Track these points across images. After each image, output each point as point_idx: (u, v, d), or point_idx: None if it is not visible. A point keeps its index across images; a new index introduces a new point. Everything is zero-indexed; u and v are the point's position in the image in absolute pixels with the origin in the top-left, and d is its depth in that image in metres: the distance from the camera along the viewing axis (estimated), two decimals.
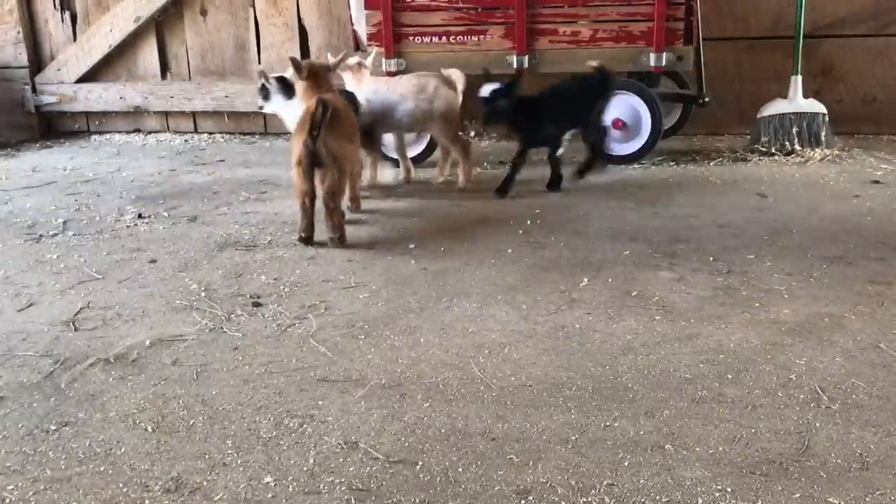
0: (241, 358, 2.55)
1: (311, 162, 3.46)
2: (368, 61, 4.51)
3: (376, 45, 4.92)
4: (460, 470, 1.92)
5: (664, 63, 4.72)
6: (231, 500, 1.83)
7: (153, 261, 3.47)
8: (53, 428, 2.16)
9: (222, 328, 2.76)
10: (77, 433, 2.13)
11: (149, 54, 6.12)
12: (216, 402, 2.27)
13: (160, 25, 6.04)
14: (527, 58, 4.83)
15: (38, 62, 6.25)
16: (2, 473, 1.96)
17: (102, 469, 1.97)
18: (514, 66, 4.86)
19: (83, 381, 2.42)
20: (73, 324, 2.85)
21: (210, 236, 3.79)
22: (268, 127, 6.13)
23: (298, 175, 3.50)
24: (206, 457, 2.01)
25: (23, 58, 6.18)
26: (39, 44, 6.24)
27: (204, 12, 5.97)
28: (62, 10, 6.13)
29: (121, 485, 1.90)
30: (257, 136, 6.23)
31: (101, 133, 6.37)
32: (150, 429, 2.15)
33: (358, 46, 5.25)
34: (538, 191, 4.43)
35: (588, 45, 4.81)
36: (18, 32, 6.09)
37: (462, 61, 4.79)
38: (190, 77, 6.14)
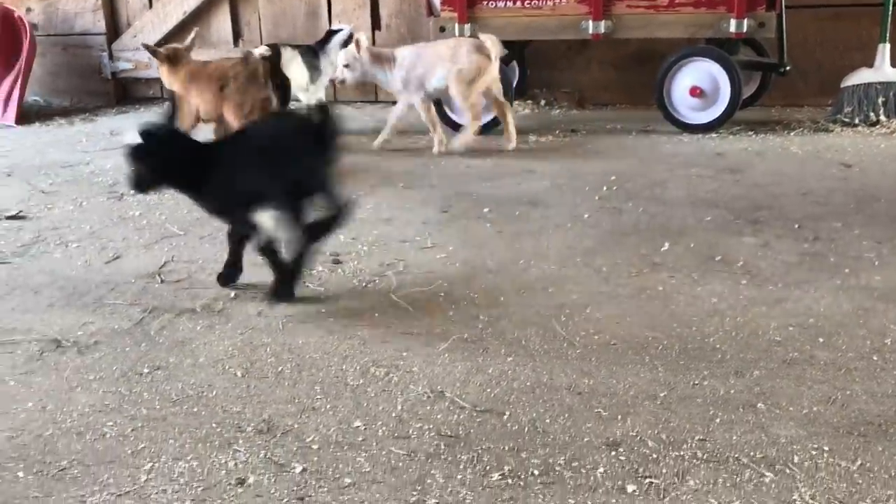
0: (324, 310, 2.58)
1: None
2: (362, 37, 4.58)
3: (449, 10, 4.90)
4: (548, 421, 1.92)
5: (745, 29, 4.59)
6: (322, 441, 1.86)
7: None
8: (147, 371, 2.22)
9: (305, 283, 2.79)
10: (169, 376, 2.19)
11: (222, 21, 6.20)
12: (303, 351, 2.31)
13: None
14: (603, 23, 4.74)
15: (114, 29, 6.38)
16: (101, 411, 2.02)
17: (196, 410, 2.02)
18: (590, 31, 4.77)
19: (172, 329, 2.48)
20: (159, 276, 2.92)
21: None
22: (337, 95, 6.16)
23: None
24: (296, 401, 2.04)
25: (100, 25, 6.31)
26: (117, 11, 6.37)
27: None
28: None
29: (214, 425, 1.95)
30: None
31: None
32: (239, 374, 2.19)
33: (431, 12, 5.23)
34: (611, 157, 4.37)
35: (667, 10, 4.70)
36: (97, 0, 6.22)
37: (537, 26, 4.74)
38: (262, 44, 6.18)
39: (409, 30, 5.97)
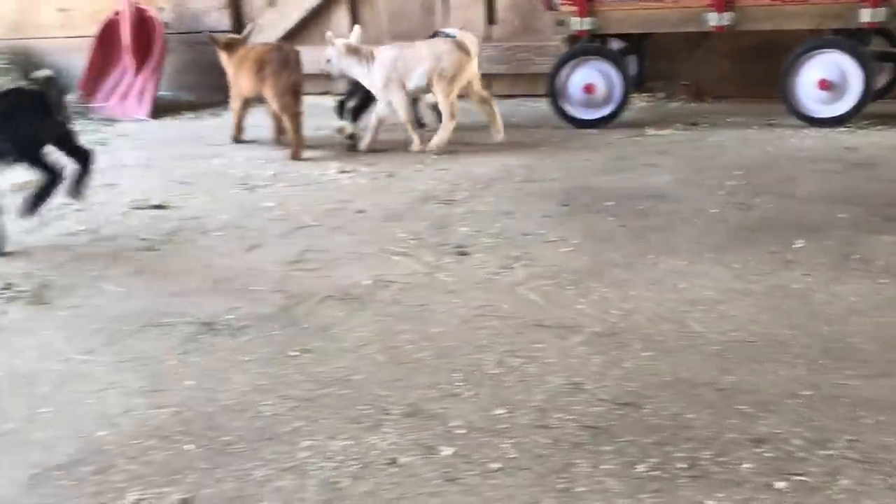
0: (456, 301, 2.65)
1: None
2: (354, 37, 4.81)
3: (569, 4, 4.89)
4: (690, 416, 1.93)
5: (879, 19, 4.42)
6: (467, 427, 1.93)
7: (361, 211, 3.65)
8: (295, 354, 2.34)
9: (434, 273, 2.87)
10: (317, 360, 2.30)
11: (342, 18, 6.37)
12: (439, 339, 2.38)
13: None
14: (727, 15, 4.65)
15: (238, 26, 6.63)
16: (256, 391, 2.15)
17: (344, 392, 2.12)
18: (713, 24, 4.69)
19: (315, 315, 2.60)
20: (297, 264, 3.05)
21: (410, 191, 3.94)
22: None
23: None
24: (438, 387, 2.12)
25: (225, 22, 6.58)
26: (241, 9, 6.63)
27: None
28: None
29: (363, 407, 2.04)
30: None
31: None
32: (382, 359, 2.29)
33: (550, 6, 5.24)
34: (735, 151, 4.29)
35: (794, 1, 4.56)
36: None
37: (657, 19, 4.69)
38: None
39: (523, 24, 6.00)
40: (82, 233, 3.54)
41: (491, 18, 6.09)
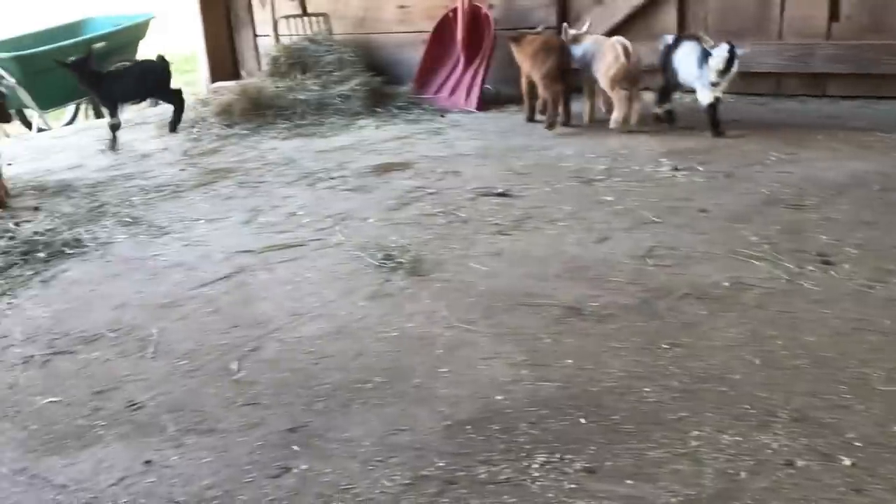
0: (826, 311, 2.59)
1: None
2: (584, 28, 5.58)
3: None
4: None
5: None
6: (864, 440, 1.90)
7: (703, 210, 3.64)
8: (666, 346, 2.43)
9: (797, 281, 2.81)
10: (688, 354, 2.37)
11: (668, 14, 6.32)
12: (815, 349, 2.35)
13: None
14: None
15: (564, 22, 6.84)
16: (633, 377, 2.27)
17: (722, 389, 2.17)
18: None
19: (677, 311, 2.67)
20: (648, 259, 3.14)
21: (752, 192, 3.85)
22: (781, 85, 5.97)
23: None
24: (822, 396, 2.10)
25: (552, 18, 6.80)
26: (568, 5, 6.81)
27: None
28: None
29: (745, 406, 2.08)
30: (768, 98, 6.11)
31: None
32: (757, 362, 2.30)
33: None
34: None
35: None
36: None
37: None
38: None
39: (872, 21, 5.58)
40: (440, 214, 3.88)
41: (834, 15, 5.73)
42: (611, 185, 4.16)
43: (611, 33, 6.51)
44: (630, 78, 5.05)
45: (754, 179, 4.06)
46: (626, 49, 5.00)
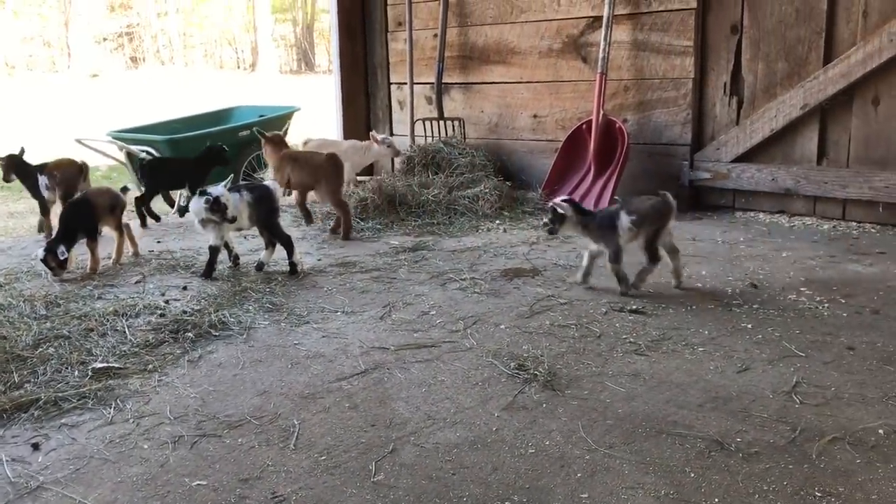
0: None
1: None
2: None
3: None
4: None
5: None
6: None
7: (850, 348, 3.51)
8: (818, 495, 2.32)
9: None
10: None
11: (808, 140, 6.26)
12: None
13: (825, 113, 6.14)
14: None
15: (699, 141, 6.86)
16: None
17: None
18: None
19: (829, 456, 2.55)
20: (795, 395, 3.03)
21: None
22: None
23: None
24: None
25: (687, 137, 6.83)
26: (703, 125, 6.85)
27: (876, 101, 5.90)
28: (730, 95, 6.63)
29: None
30: None
31: (744, 210, 6.69)
32: None
33: None
34: None
35: None
36: (688, 114, 6.76)
37: None
38: (848, 165, 6.10)
39: None
40: (573, 326, 3.88)
41: None
42: (750, 310, 4.07)
43: (745, 156, 6.52)
44: None
45: None
46: None
